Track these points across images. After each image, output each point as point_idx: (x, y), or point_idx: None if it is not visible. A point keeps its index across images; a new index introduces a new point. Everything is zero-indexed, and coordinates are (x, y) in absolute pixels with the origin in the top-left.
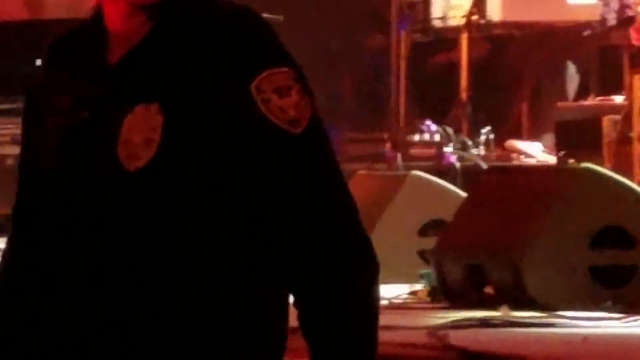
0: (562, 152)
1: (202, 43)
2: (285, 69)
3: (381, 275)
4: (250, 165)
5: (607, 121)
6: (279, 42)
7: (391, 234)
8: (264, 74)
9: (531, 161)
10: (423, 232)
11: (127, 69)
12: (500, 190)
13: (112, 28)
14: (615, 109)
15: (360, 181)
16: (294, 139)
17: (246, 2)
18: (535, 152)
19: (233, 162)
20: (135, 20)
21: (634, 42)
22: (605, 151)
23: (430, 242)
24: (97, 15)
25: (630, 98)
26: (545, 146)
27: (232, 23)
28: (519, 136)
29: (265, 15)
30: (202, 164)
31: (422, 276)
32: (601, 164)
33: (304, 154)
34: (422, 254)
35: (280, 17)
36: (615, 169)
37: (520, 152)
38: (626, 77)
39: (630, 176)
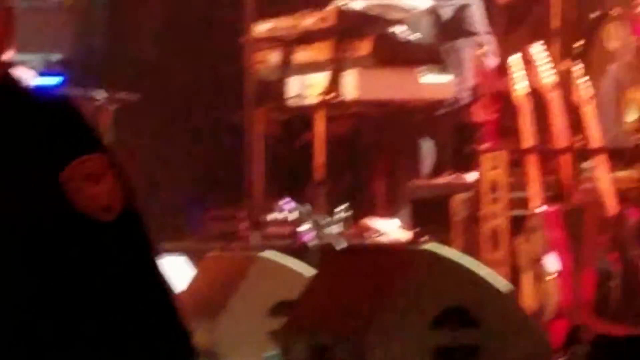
0: (416, 230)
1: (18, 131)
2: (97, 156)
3: (232, 357)
4: (64, 251)
5: (456, 200)
6: (92, 129)
7: (242, 315)
8: (75, 162)
9: (385, 239)
10: (274, 313)
11: None
12: (347, 270)
13: None
14: (466, 187)
15: (211, 263)
16: (105, 227)
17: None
18: (391, 229)
19: (47, 246)
20: None
21: (477, 119)
22: (454, 230)
23: (281, 323)
24: None
25: (480, 176)
26: (402, 223)
27: (47, 112)
28: (375, 213)
29: (123, 94)
30: (18, 245)
31: (267, 359)
32: (451, 243)
33: (116, 242)
34: (272, 335)
35: (137, 95)
36: (463, 248)
37: (375, 229)
38: (477, 155)
39: (477, 255)
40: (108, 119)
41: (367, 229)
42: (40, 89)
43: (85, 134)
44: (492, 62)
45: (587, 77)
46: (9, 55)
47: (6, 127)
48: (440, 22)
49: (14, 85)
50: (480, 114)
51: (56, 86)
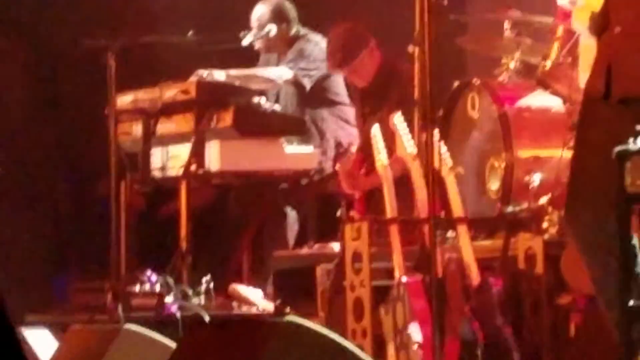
0: (279, 301)
1: None
2: None
3: None
4: None
5: (320, 270)
6: None
7: None
8: None
9: (254, 309)
10: None
11: None
12: (210, 341)
13: None
14: (330, 257)
15: (74, 336)
16: None
17: None
18: (257, 299)
19: None
20: None
21: (344, 190)
22: (319, 300)
23: None
24: None
25: (342, 246)
26: (266, 294)
27: None
28: (240, 283)
29: None
30: None
31: None
32: (316, 313)
33: None
34: None
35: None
36: (328, 318)
37: (242, 299)
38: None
39: (343, 325)
40: None
41: (235, 295)
42: None
43: None
44: (354, 133)
45: (446, 148)
46: None
47: None
48: (302, 92)
49: None
50: (345, 185)
51: None
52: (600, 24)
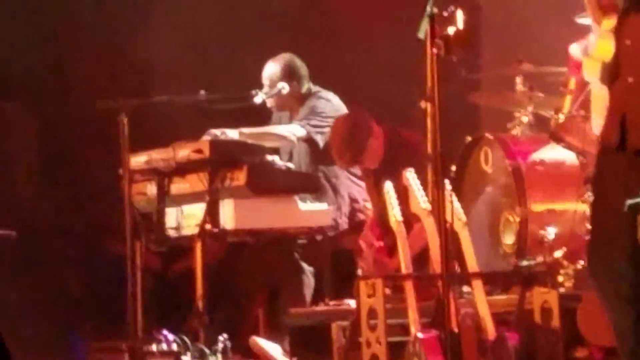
0: (296, 358)
1: None
2: None
3: None
4: None
5: (335, 327)
6: None
7: None
8: None
9: None
10: None
11: None
12: None
13: None
14: (346, 314)
15: None
16: None
17: None
18: (276, 354)
19: None
20: None
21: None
22: (335, 357)
23: None
24: None
25: (358, 303)
26: (284, 350)
27: None
28: None
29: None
30: None
31: None
32: None
33: None
34: None
35: (13, 233)
36: None
37: (261, 352)
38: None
39: None
40: None
41: (256, 348)
42: None
43: None
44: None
45: (460, 203)
46: None
47: None
48: (315, 149)
49: None
50: (361, 241)
51: None
52: (612, 74)
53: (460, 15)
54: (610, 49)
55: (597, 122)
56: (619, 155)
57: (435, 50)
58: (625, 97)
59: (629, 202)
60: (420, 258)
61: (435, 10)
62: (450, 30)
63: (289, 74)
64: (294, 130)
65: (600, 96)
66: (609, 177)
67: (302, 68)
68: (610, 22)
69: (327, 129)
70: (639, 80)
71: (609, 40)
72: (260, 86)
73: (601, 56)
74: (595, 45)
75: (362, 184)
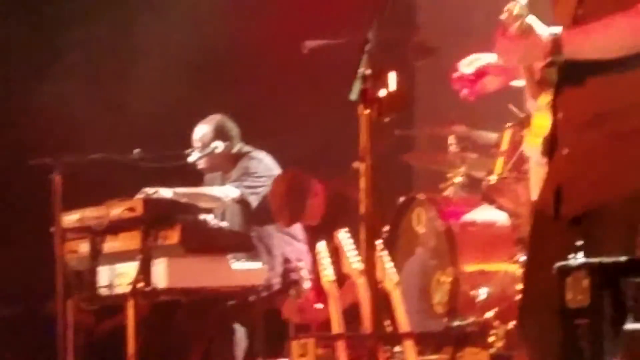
0: None
1: None
2: None
3: None
4: None
5: None
6: None
7: None
8: None
9: None
10: None
11: None
12: None
13: None
14: None
15: None
16: None
17: None
18: None
19: None
20: None
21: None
22: None
23: None
24: None
25: None
26: None
27: None
28: None
29: None
30: None
31: None
32: None
33: None
34: None
35: None
36: None
37: None
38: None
39: None
40: None
41: None
42: None
43: None
44: (302, 249)
45: (392, 263)
46: None
47: None
48: (248, 209)
49: None
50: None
51: None
52: (549, 147)
53: (393, 77)
54: (547, 124)
55: (535, 192)
56: (554, 222)
57: (367, 112)
58: (561, 168)
59: (558, 264)
60: (353, 315)
61: (368, 71)
62: (383, 91)
63: (221, 134)
64: (227, 192)
65: (538, 170)
66: (542, 240)
67: (233, 129)
68: (546, 97)
69: (260, 189)
70: (573, 152)
71: (546, 114)
72: (193, 147)
73: (539, 131)
74: (533, 121)
75: (297, 243)
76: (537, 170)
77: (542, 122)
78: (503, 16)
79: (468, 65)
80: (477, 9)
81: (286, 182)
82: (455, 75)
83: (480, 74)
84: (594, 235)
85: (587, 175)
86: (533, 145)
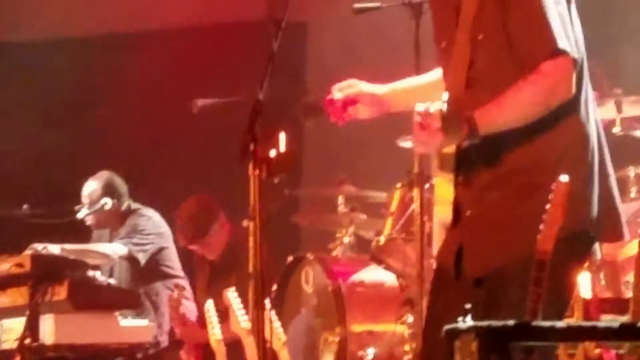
0: None
1: None
2: None
3: None
4: None
5: None
6: None
7: None
8: None
9: None
10: None
11: None
12: None
13: None
14: None
15: None
16: None
17: None
18: None
19: None
20: None
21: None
22: None
23: None
24: None
25: None
26: None
27: None
28: None
29: None
30: None
31: None
32: None
33: None
34: None
35: None
36: None
37: None
38: None
39: None
40: None
41: None
42: None
43: None
44: (191, 307)
45: (280, 323)
46: None
47: None
48: (136, 266)
49: None
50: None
51: None
52: (456, 212)
53: (282, 138)
54: (450, 189)
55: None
56: (453, 280)
57: (257, 172)
58: (463, 227)
59: (447, 327)
60: None
61: (257, 132)
62: (273, 152)
63: (109, 191)
64: (116, 249)
65: (441, 232)
66: (440, 298)
67: (122, 186)
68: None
69: (148, 247)
70: (474, 213)
71: (449, 178)
72: (80, 203)
73: (445, 199)
74: (436, 187)
75: (184, 301)
76: (440, 232)
77: (444, 187)
78: (416, 118)
79: (340, 90)
80: (360, 67)
81: (197, 202)
82: (327, 98)
83: (350, 101)
84: (494, 296)
85: (487, 237)
86: (437, 211)
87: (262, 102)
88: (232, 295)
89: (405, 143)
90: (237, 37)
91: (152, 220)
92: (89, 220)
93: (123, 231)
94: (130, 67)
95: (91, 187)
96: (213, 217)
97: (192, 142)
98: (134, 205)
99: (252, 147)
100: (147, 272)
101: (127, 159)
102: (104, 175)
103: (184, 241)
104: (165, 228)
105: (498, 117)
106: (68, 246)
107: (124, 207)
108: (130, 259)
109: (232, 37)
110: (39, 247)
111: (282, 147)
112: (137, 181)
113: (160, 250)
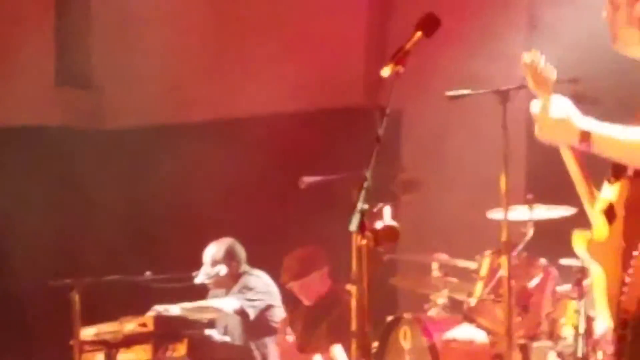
0: None
1: None
2: None
3: None
4: None
5: None
6: None
7: None
8: None
9: None
10: None
11: None
12: None
13: None
14: None
15: None
16: None
17: None
18: None
19: None
20: None
21: None
22: None
23: None
24: None
25: None
26: None
27: None
28: None
29: None
30: None
31: None
32: None
33: None
34: None
35: None
36: None
37: None
38: None
39: None
40: None
41: None
42: None
43: None
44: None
45: None
46: None
47: None
48: (247, 321)
49: None
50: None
51: None
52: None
53: (388, 211)
54: (605, 228)
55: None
56: None
57: (364, 242)
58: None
59: None
60: None
61: (366, 206)
62: (379, 224)
63: (230, 255)
64: (229, 304)
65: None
66: None
67: (242, 251)
68: (600, 203)
69: (257, 303)
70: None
71: (602, 219)
72: (199, 267)
73: (600, 234)
74: (594, 226)
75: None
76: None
77: (601, 226)
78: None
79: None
80: (453, 149)
81: (308, 248)
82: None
83: None
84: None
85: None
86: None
87: (368, 180)
88: (338, 351)
89: (494, 215)
90: (337, 121)
91: (262, 279)
92: (207, 282)
93: (236, 289)
94: (247, 149)
95: (214, 249)
96: (318, 265)
97: (298, 215)
98: (247, 268)
99: (360, 219)
100: (257, 327)
101: (245, 227)
102: (226, 241)
103: (285, 277)
104: (274, 288)
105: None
106: (187, 305)
107: (241, 269)
108: (242, 313)
109: (333, 121)
110: (160, 308)
111: (388, 219)
112: (249, 246)
113: (269, 307)
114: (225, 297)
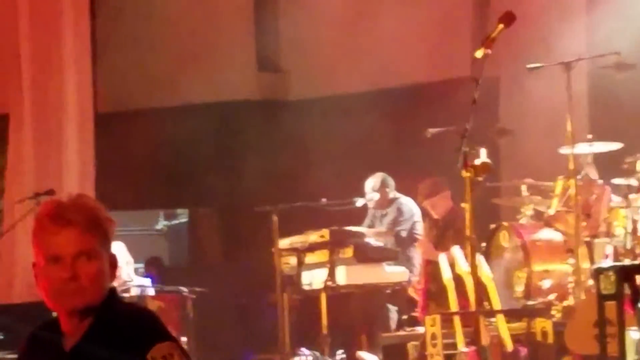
0: None
1: (117, 332)
2: (168, 342)
3: None
4: None
5: (410, 346)
6: (163, 325)
7: None
8: (154, 347)
9: None
10: None
11: (76, 355)
12: None
13: (64, 327)
14: (417, 337)
15: None
16: None
17: None
18: None
19: None
20: (74, 320)
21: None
22: None
23: None
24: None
25: (424, 330)
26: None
27: (132, 318)
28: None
29: (198, 288)
30: None
31: None
32: None
33: None
34: None
35: (206, 289)
36: None
37: None
38: (422, 318)
39: None
40: (189, 305)
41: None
42: (129, 305)
43: (158, 329)
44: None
45: (488, 266)
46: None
47: (111, 329)
48: (400, 237)
49: (112, 304)
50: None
51: (152, 282)
52: None
53: (483, 152)
54: None
55: None
56: None
57: (468, 174)
58: None
59: (594, 267)
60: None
61: (467, 149)
62: (478, 161)
63: (384, 185)
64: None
65: None
66: None
67: (391, 182)
68: None
69: (405, 225)
70: None
71: None
72: (361, 194)
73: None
74: None
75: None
76: None
77: None
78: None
79: None
80: (534, 104)
81: (432, 178)
82: None
83: None
84: None
85: None
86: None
87: (469, 129)
88: (456, 250)
89: (565, 150)
90: (451, 89)
91: (408, 206)
92: (368, 204)
93: (390, 214)
94: (388, 112)
95: (372, 181)
96: (442, 189)
97: (428, 156)
98: (397, 194)
99: (463, 158)
100: (406, 240)
101: (391, 166)
102: (380, 174)
103: (420, 198)
104: (417, 210)
105: None
106: (368, 230)
107: (391, 195)
108: (397, 236)
109: (449, 89)
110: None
111: (483, 157)
112: (395, 178)
113: (414, 224)
114: (380, 217)
